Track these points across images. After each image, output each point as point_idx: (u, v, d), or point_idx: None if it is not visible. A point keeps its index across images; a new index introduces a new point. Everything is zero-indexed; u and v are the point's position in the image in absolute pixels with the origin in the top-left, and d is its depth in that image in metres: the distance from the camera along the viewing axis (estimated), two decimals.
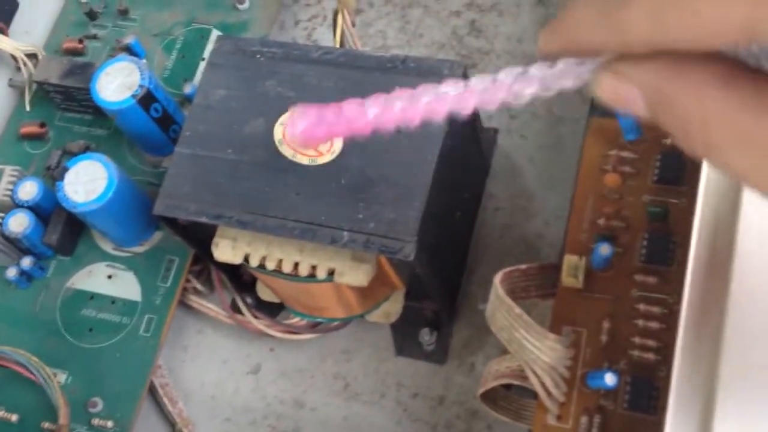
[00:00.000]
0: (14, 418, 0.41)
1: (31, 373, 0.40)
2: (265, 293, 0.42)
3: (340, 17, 0.40)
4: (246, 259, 0.36)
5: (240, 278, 0.42)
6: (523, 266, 0.30)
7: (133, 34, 0.48)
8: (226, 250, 0.36)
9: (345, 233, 0.33)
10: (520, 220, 0.42)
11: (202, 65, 0.47)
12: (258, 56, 0.37)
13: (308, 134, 0.25)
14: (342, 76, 0.36)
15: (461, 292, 0.41)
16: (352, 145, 0.35)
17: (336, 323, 0.40)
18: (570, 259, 0.29)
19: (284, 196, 0.34)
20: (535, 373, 0.27)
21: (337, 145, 0.35)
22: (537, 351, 0.27)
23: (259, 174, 0.35)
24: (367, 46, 0.48)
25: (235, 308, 0.42)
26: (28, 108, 0.48)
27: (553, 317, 0.29)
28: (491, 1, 0.48)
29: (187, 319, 0.44)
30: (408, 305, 0.40)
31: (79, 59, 0.47)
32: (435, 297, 0.39)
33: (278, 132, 0.36)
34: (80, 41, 0.48)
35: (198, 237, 0.38)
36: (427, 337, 0.40)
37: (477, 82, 0.21)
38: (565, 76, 0.20)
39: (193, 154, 0.36)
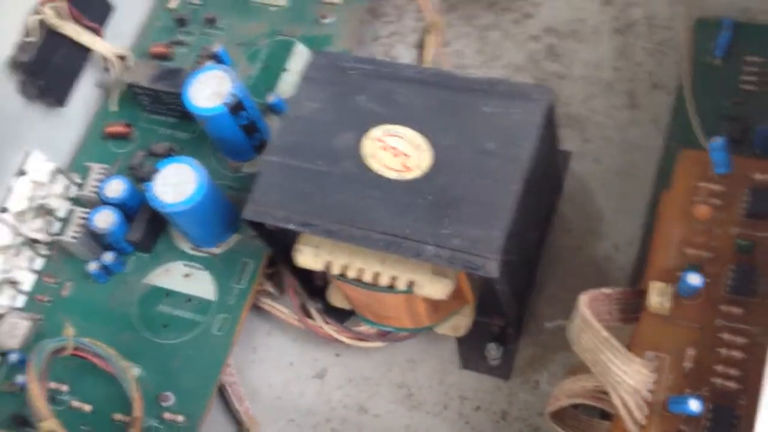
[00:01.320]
0: (87, 408, 0.42)
1: (109, 364, 0.41)
2: (336, 299, 0.43)
3: (430, 37, 0.41)
4: (327, 266, 0.37)
5: (311, 283, 0.44)
6: (608, 290, 0.31)
7: (220, 43, 0.49)
8: (308, 257, 0.37)
9: (430, 247, 0.34)
10: (590, 243, 0.43)
11: (284, 76, 0.49)
12: (350, 71, 0.39)
13: None
14: (432, 95, 0.37)
15: (528, 310, 0.42)
16: (440, 163, 0.36)
17: (404, 333, 0.41)
18: (657, 286, 0.30)
19: (370, 209, 0.35)
20: (618, 395, 0.28)
21: (426, 162, 0.36)
22: (622, 374, 0.27)
23: (346, 186, 0.36)
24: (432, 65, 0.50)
25: (305, 312, 0.44)
26: (113, 108, 0.50)
27: (636, 341, 0.30)
28: (570, 27, 0.48)
29: (256, 321, 0.45)
30: (476, 320, 0.41)
31: (167, 64, 0.49)
32: (506, 313, 0.39)
33: (367, 146, 0.37)
34: (168, 46, 0.50)
35: (280, 242, 0.39)
36: (493, 351, 0.41)
37: None
38: None
39: (283, 163, 0.37)
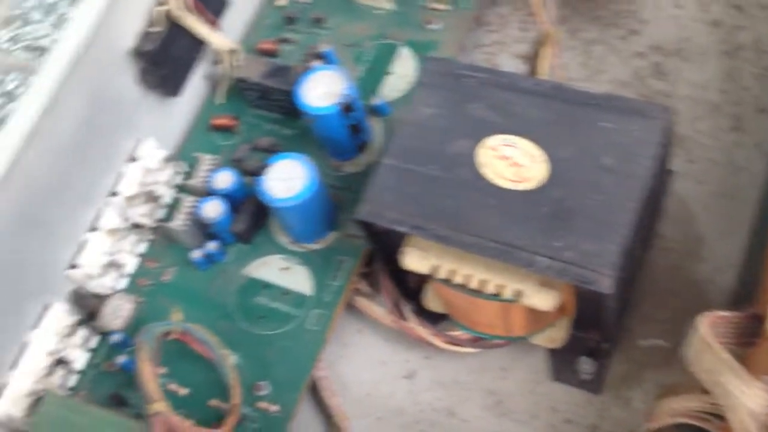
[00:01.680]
0: (184, 391, 0.43)
1: (210, 351, 0.42)
2: (433, 303, 0.43)
3: (546, 48, 0.41)
4: (433, 270, 0.38)
5: (405, 285, 0.44)
6: (726, 313, 0.31)
7: (326, 43, 0.50)
8: (415, 260, 0.38)
9: (542, 259, 0.35)
10: (689, 264, 0.43)
11: (388, 79, 0.50)
12: (465, 79, 0.39)
13: None
14: (548, 107, 0.38)
15: (622, 327, 0.42)
16: (556, 176, 0.36)
17: (498, 341, 0.42)
18: None
19: (483, 216, 0.36)
20: (738, 417, 0.28)
21: (542, 174, 0.36)
22: (743, 396, 0.28)
23: (460, 192, 0.37)
24: (547, 77, 0.50)
25: (399, 313, 0.44)
26: (220, 101, 0.51)
27: (752, 365, 0.30)
28: (677, 46, 0.48)
29: (348, 318, 0.46)
30: (571, 333, 0.41)
31: (273, 60, 0.50)
32: (604, 328, 0.40)
33: (482, 155, 0.37)
34: (275, 43, 0.51)
35: (386, 244, 0.40)
36: (586, 366, 0.41)
37: None
38: None
39: (398, 167, 0.38)
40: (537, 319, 0.40)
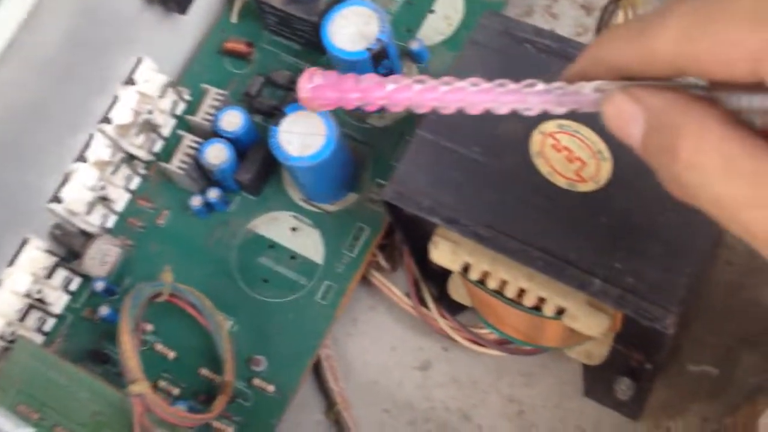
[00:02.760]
0: (172, 355, 0.39)
1: (204, 317, 0.37)
2: (456, 293, 0.38)
3: (622, 13, 0.34)
4: (465, 268, 0.32)
5: (430, 265, 0.39)
6: None
7: None
8: (445, 254, 0.32)
9: (597, 281, 0.29)
10: (752, 283, 0.37)
11: (430, 19, 0.43)
12: (528, 45, 0.33)
13: (318, 93, 0.26)
14: None
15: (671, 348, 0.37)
16: (620, 179, 0.30)
17: (528, 347, 0.37)
18: None
19: (531, 218, 0.30)
20: None
21: (604, 174, 0.30)
22: None
23: (506, 184, 0.31)
24: None
25: (418, 295, 0.39)
26: (234, 20, 0.44)
27: None
28: None
29: (360, 292, 0.41)
30: (612, 347, 0.36)
31: None
32: (652, 351, 0.34)
33: (536, 142, 0.31)
34: None
35: (415, 228, 0.34)
36: (625, 387, 0.36)
37: (496, 83, 0.23)
38: (579, 94, 0.22)
39: (435, 142, 0.32)
40: (577, 334, 0.34)
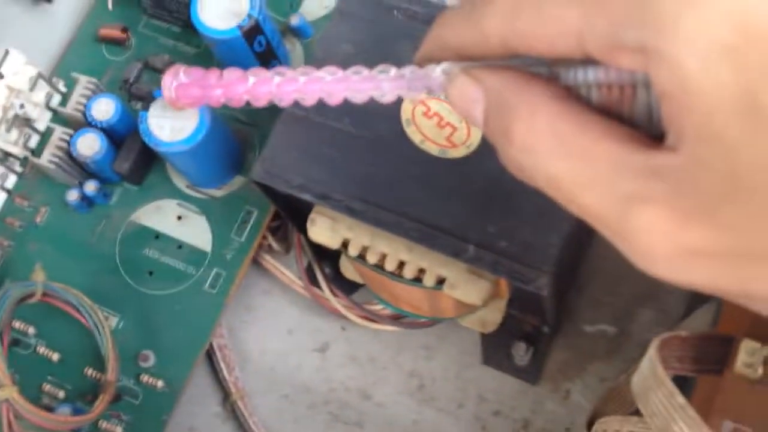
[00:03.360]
0: (55, 357, 0.37)
1: (82, 315, 0.36)
2: (349, 272, 0.37)
3: None
4: (344, 244, 0.31)
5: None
6: (685, 334, 0.26)
7: None
8: (323, 231, 0.31)
9: (471, 247, 0.28)
10: None
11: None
12: (396, 12, 0.32)
13: (182, 92, 0.27)
14: None
15: (566, 309, 0.37)
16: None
17: (423, 320, 0.36)
18: (748, 345, 0.25)
19: (404, 188, 0.29)
20: None
21: (475, 139, 0.30)
22: None
23: (378, 155, 0.30)
24: None
25: (311, 276, 0.38)
26: (110, 6, 0.42)
27: (714, 407, 0.25)
28: None
29: (254, 276, 0.40)
30: (507, 313, 0.35)
31: None
32: (543, 313, 0.34)
33: (407, 110, 0.30)
34: None
35: (295, 207, 0.33)
36: (521, 352, 0.36)
37: (351, 71, 0.23)
38: (429, 77, 0.21)
39: (304, 117, 0.31)
40: (467, 303, 0.34)
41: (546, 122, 0.18)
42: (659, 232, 0.16)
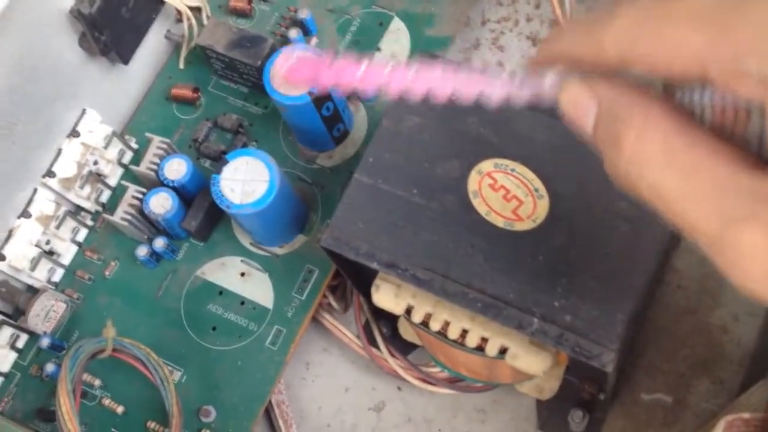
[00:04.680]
0: (120, 409, 0.38)
1: (149, 371, 0.37)
2: (407, 333, 0.38)
3: None
4: (408, 311, 0.32)
5: None
6: (746, 416, 0.26)
7: (307, 7, 0.43)
8: (387, 297, 0.32)
9: (535, 320, 0.29)
10: (705, 307, 0.37)
11: (377, 56, 0.43)
12: None
13: (294, 71, 0.30)
14: (557, 130, 0.31)
15: (624, 377, 0.37)
16: (558, 217, 0.30)
17: (479, 384, 0.37)
18: None
19: (470, 259, 0.30)
20: None
21: (541, 212, 0.30)
22: None
23: (444, 226, 0.31)
24: None
25: (369, 335, 0.39)
26: (181, 65, 0.44)
27: None
28: None
29: (312, 334, 0.41)
30: (564, 378, 0.36)
31: (249, 28, 0.43)
32: (600, 383, 0.34)
33: (474, 181, 0.31)
34: (249, 2, 0.44)
35: (360, 272, 0.34)
36: (578, 419, 0.36)
37: (462, 69, 0.23)
38: (539, 83, 0.22)
39: (373, 186, 0.32)
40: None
41: (657, 135, 0.19)
42: (760, 252, 0.17)
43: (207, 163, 0.42)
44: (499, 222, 0.30)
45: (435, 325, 0.32)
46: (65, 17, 0.38)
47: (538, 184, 0.31)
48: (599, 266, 0.29)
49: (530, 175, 0.31)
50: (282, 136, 0.42)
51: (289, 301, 0.39)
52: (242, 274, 0.40)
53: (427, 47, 0.42)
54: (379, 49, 0.43)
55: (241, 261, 0.40)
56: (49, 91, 0.39)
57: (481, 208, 0.31)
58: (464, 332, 0.31)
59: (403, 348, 0.39)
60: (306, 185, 0.41)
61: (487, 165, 0.31)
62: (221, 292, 0.40)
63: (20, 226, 0.39)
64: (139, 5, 0.40)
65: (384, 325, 0.39)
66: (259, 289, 0.40)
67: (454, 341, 0.32)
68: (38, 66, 0.38)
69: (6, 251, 0.39)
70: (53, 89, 0.39)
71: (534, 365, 0.30)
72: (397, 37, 0.43)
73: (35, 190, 0.40)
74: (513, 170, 0.31)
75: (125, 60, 0.41)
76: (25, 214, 0.40)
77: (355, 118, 0.42)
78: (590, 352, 0.28)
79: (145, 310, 0.40)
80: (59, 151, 0.40)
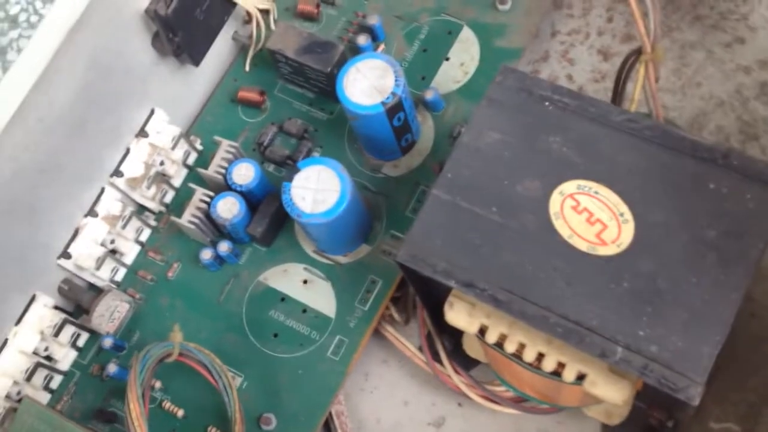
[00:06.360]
0: (180, 413, 0.38)
1: (212, 375, 0.37)
2: (472, 350, 0.37)
3: (643, 69, 0.34)
4: (482, 330, 0.32)
5: (443, 317, 0.38)
6: None
7: (375, 12, 0.43)
8: (461, 315, 0.32)
9: (619, 349, 0.28)
10: None
11: (445, 65, 0.42)
12: (546, 103, 0.32)
13: None
14: (643, 152, 0.31)
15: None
16: (643, 243, 0.29)
17: (545, 406, 0.36)
18: None
19: (551, 282, 0.29)
20: None
21: (626, 237, 0.30)
22: None
23: (524, 247, 0.30)
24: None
25: (431, 348, 0.38)
26: (247, 68, 0.44)
27: None
28: None
29: (372, 345, 0.40)
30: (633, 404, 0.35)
31: (311, 25, 0.43)
32: (670, 410, 0.34)
33: (555, 202, 0.31)
34: (317, 5, 0.44)
35: (431, 287, 0.33)
36: None
37: None
38: None
39: (451, 203, 0.31)
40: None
41: None
42: None
43: (271, 167, 0.42)
44: (583, 246, 0.30)
45: (510, 347, 0.31)
46: (140, 17, 0.38)
47: (623, 208, 0.30)
48: (686, 296, 0.28)
49: (614, 198, 0.30)
50: (347, 143, 0.42)
51: (352, 311, 0.39)
52: (305, 282, 0.40)
53: (497, 58, 0.42)
54: (448, 59, 0.42)
55: (304, 268, 0.40)
56: (120, 91, 0.39)
57: (564, 231, 0.30)
58: (540, 356, 0.31)
59: (464, 362, 0.38)
60: (371, 194, 0.41)
61: (569, 186, 0.31)
62: (283, 298, 0.40)
63: (87, 225, 0.39)
64: (213, 7, 0.40)
65: (446, 339, 0.38)
66: (321, 297, 0.39)
67: (531, 365, 0.31)
68: (112, 65, 0.38)
69: (71, 249, 0.39)
70: (124, 89, 0.39)
71: (614, 394, 0.30)
72: (466, 47, 0.42)
73: (102, 189, 0.40)
74: (597, 192, 0.30)
75: (196, 62, 0.41)
76: (92, 213, 0.40)
77: (422, 128, 0.41)
78: (676, 384, 0.27)
79: (207, 313, 0.40)
80: (127, 151, 0.40)
